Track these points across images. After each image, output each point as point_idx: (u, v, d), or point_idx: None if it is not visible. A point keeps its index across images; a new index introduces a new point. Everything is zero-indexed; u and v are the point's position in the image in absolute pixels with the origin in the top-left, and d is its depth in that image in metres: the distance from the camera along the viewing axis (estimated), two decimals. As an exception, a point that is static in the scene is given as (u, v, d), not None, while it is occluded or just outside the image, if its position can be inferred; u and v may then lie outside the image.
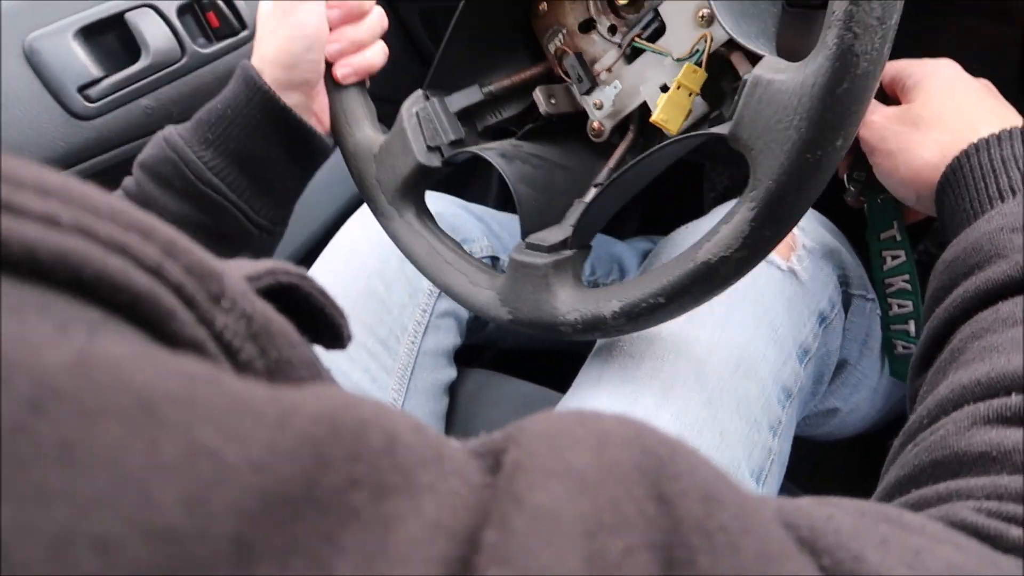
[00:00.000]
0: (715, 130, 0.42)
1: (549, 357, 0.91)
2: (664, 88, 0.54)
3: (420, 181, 0.57)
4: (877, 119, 0.49)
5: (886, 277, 0.60)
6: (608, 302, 0.46)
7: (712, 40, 0.50)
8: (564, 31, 0.59)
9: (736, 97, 0.40)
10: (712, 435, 0.49)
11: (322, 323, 0.25)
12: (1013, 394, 0.29)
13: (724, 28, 0.46)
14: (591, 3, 0.58)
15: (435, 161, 0.56)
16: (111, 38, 0.77)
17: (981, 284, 0.35)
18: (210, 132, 0.55)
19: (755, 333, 0.53)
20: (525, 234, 0.55)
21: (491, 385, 0.78)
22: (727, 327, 0.53)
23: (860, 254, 0.65)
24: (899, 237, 0.58)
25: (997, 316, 0.34)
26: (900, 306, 0.60)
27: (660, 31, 0.53)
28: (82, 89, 0.74)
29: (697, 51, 0.51)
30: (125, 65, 0.76)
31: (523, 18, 0.60)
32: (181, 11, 0.79)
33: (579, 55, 0.58)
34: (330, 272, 0.75)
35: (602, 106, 0.59)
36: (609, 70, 0.58)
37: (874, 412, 0.69)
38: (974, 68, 0.49)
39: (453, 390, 0.78)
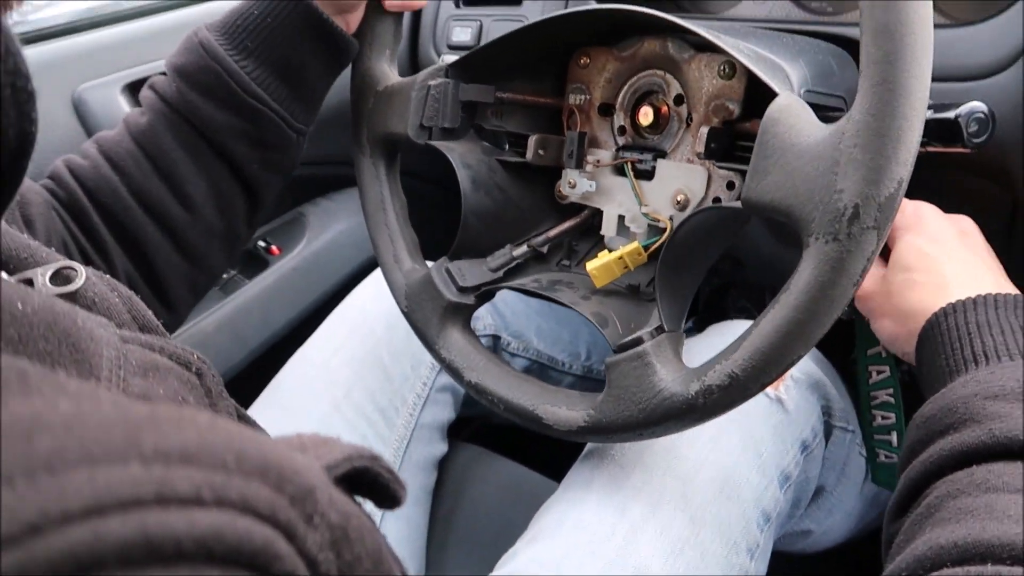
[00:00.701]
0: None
1: (536, 436, 0.94)
2: (621, 219, 0.58)
3: (397, 144, 0.61)
4: None
5: (871, 390, 0.64)
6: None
7: (670, 230, 0.54)
8: (587, 96, 0.61)
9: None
10: (693, 554, 0.51)
11: (384, 494, 0.28)
12: (988, 563, 0.32)
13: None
14: (620, 97, 0.60)
15: (421, 138, 0.59)
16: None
17: (956, 446, 0.39)
18: (249, 40, 0.56)
19: (741, 457, 0.56)
20: (452, 256, 0.59)
21: (480, 463, 0.80)
22: (716, 448, 0.56)
23: (845, 370, 0.69)
24: (884, 354, 0.62)
25: (972, 479, 0.37)
26: (884, 417, 0.64)
27: (652, 175, 0.57)
28: (123, 141, 0.77)
29: (654, 238, 0.55)
30: (166, 121, 0.80)
31: (565, 56, 0.62)
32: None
33: (583, 134, 0.60)
34: (338, 335, 0.77)
35: (574, 186, 0.61)
36: (597, 164, 0.60)
37: (846, 533, 0.72)
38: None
39: (443, 465, 0.79)
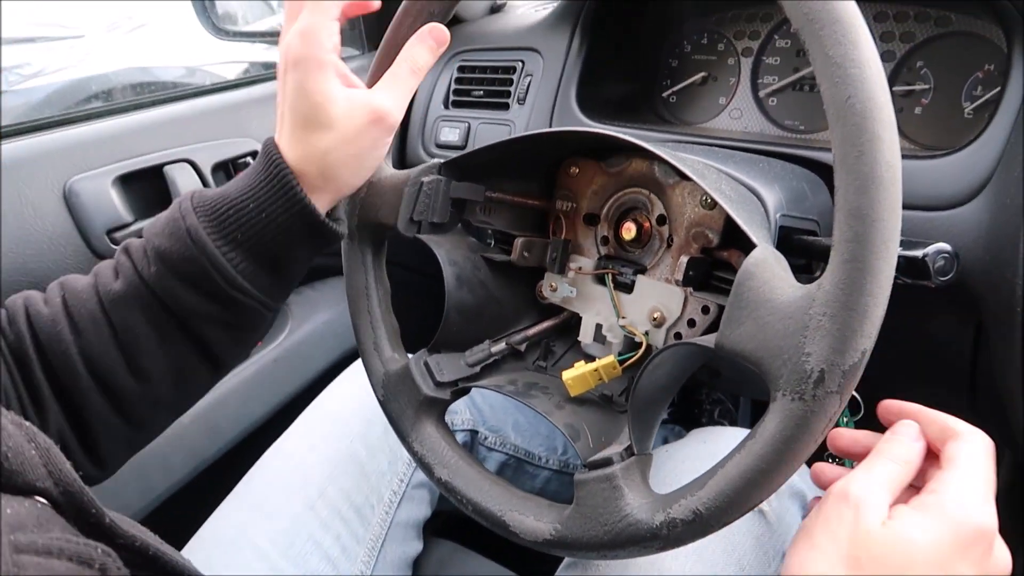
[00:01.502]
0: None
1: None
2: (599, 328, 0.60)
3: (385, 234, 0.61)
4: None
5: None
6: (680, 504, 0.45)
7: (644, 349, 0.56)
8: (574, 204, 0.63)
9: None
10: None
11: None
12: None
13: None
14: (605, 209, 0.62)
15: (410, 231, 0.59)
16: (146, 187, 0.82)
17: None
18: (240, 232, 0.53)
19: (723, 570, 0.56)
20: (431, 349, 0.59)
21: (454, 561, 0.79)
22: (699, 561, 0.56)
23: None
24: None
25: None
26: None
27: (631, 288, 0.59)
28: (110, 232, 0.78)
29: (630, 352, 0.57)
30: (154, 213, 0.81)
31: (554, 163, 0.64)
32: (215, 168, 0.84)
33: (567, 241, 0.63)
34: (315, 431, 0.76)
35: (555, 290, 0.63)
36: (578, 271, 0.62)
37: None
38: (928, 365, 0.55)
39: (417, 563, 0.78)
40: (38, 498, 0.37)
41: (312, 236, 0.56)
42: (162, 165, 0.81)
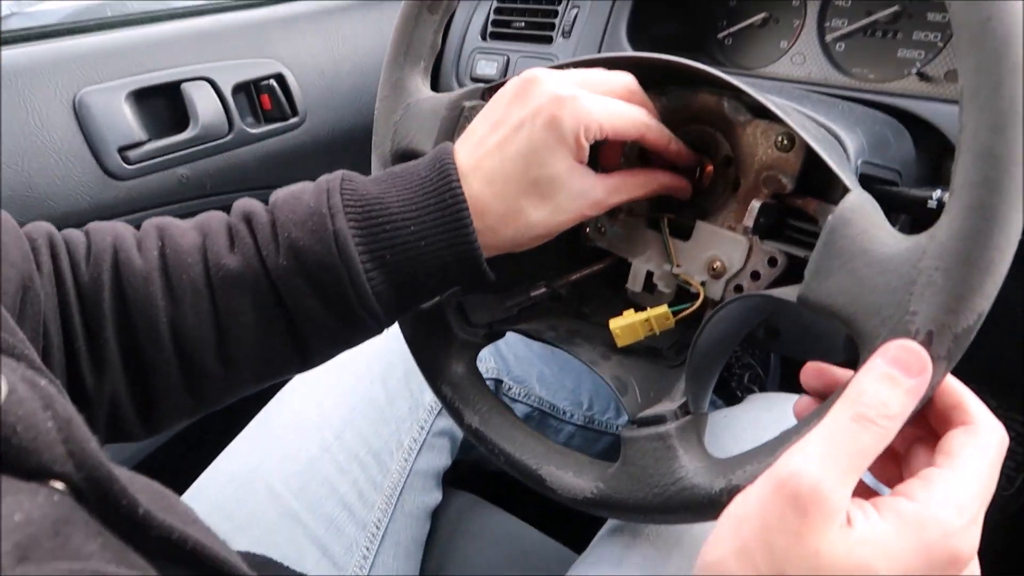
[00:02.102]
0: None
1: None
2: (649, 275, 0.55)
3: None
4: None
5: None
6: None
7: (701, 301, 0.51)
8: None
9: None
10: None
11: None
12: None
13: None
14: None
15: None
16: (162, 104, 0.77)
17: None
18: (389, 253, 0.47)
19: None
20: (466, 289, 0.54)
21: (474, 514, 0.77)
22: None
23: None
24: None
25: None
26: None
27: (687, 235, 0.54)
28: (122, 150, 0.73)
29: (684, 303, 0.52)
30: (170, 132, 0.76)
31: None
32: (236, 89, 0.79)
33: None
34: (332, 370, 0.73)
35: (603, 232, 0.58)
36: (630, 212, 0.57)
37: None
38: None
39: (436, 514, 0.76)
40: (55, 483, 0.29)
41: (462, 278, 0.49)
42: (179, 82, 0.76)
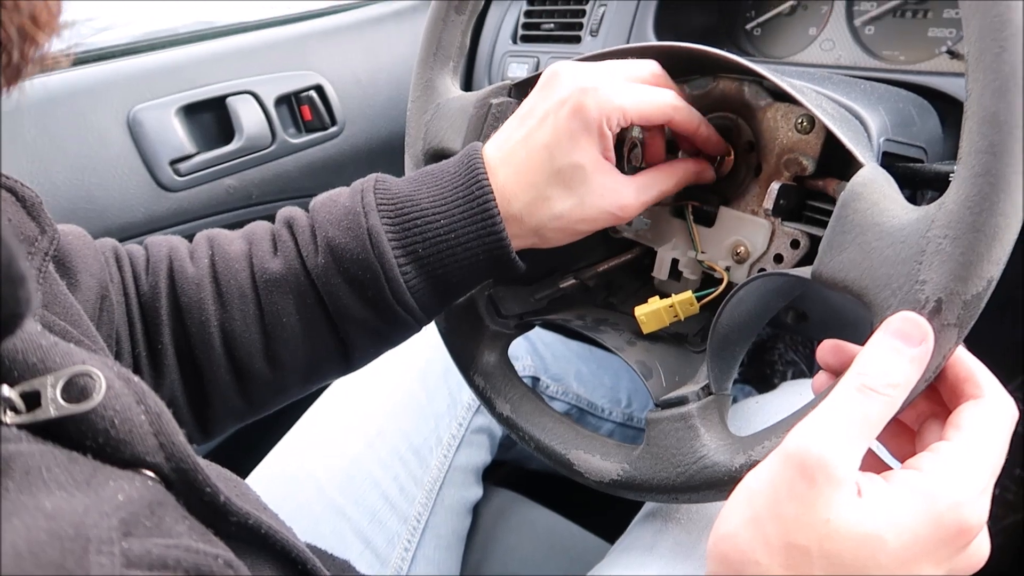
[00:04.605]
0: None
1: (575, 485, 0.90)
2: (675, 263, 0.55)
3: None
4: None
5: None
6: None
7: (725, 285, 0.51)
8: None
9: None
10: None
11: None
12: None
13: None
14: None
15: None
16: (209, 118, 0.80)
17: None
18: (422, 247, 0.48)
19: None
20: (496, 281, 0.55)
21: (515, 509, 0.77)
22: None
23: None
24: None
25: None
26: None
27: (711, 221, 0.54)
28: (174, 163, 0.77)
29: (708, 288, 0.52)
30: (217, 145, 0.80)
31: None
32: (278, 101, 0.83)
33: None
34: (374, 368, 0.75)
35: (629, 222, 0.57)
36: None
37: None
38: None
39: (477, 509, 0.77)
40: (148, 473, 0.31)
41: (493, 269, 0.50)
42: (225, 96, 0.80)
